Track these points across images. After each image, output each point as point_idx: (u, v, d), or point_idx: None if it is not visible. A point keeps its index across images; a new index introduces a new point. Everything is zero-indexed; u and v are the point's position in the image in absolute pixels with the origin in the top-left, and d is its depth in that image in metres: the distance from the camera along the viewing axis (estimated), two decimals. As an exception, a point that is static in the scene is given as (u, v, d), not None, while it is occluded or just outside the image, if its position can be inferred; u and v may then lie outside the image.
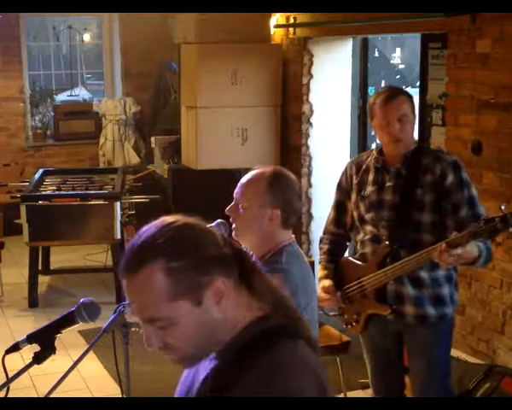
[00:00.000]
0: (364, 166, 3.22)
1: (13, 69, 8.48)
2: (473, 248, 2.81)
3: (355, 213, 3.24)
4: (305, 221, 6.26)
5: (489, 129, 4.33)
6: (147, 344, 1.41)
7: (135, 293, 1.38)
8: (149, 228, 1.41)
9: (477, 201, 3.03)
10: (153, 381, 4.71)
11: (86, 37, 9.71)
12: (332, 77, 6.17)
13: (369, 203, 3.16)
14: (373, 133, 6.32)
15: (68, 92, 9.45)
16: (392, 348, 3.27)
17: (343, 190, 3.32)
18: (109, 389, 4.62)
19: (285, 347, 1.39)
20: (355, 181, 3.24)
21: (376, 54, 6.26)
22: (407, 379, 3.36)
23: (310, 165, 6.24)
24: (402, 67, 6.42)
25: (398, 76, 6.38)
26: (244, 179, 2.52)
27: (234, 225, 2.51)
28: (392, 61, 6.37)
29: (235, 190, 2.52)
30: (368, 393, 4.42)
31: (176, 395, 1.58)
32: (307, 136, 6.23)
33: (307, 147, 6.23)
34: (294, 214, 2.53)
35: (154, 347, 1.41)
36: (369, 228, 3.17)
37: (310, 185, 6.22)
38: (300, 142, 6.24)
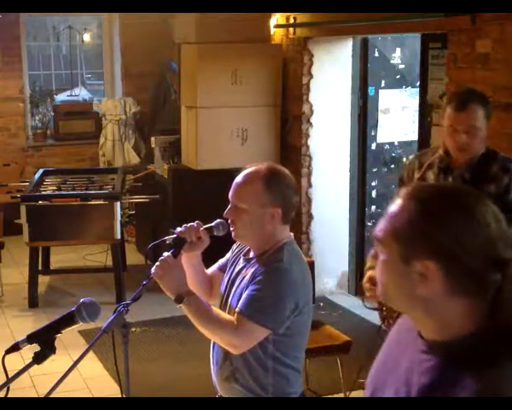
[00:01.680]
0: (428, 163, 3.16)
1: (13, 69, 8.48)
2: None
3: None
4: (305, 221, 6.26)
5: (489, 129, 4.33)
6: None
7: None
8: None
9: None
10: (153, 381, 4.71)
11: (86, 37, 9.70)
12: (332, 77, 6.17)
13: None
14: (373, 133, 6.32)
15: (68, 92, 9.44)
16: None
17: (403, 184, 3.25)
18: (109, 389, 4.61)
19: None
20: (416, 176, 3.18)
21: (376, 54, 6.24)
22: None
23: (310, 165, 6.24)
24: (402, 67, 6.40)
25: (398, 76, 6.36)
26: (239, 180, 2.48)
27: (233, 228, 2.49)
28: (392, 61, 6.35)
29: (231, 193, 2.49)
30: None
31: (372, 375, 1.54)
32: (307, 136, 6.23)
33: (307, 147, 6.24)
34: (293, 209, 2.53)
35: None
36: None
37: (310, 185, 6.22)
38: (300, 142, 6.24)
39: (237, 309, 2.39)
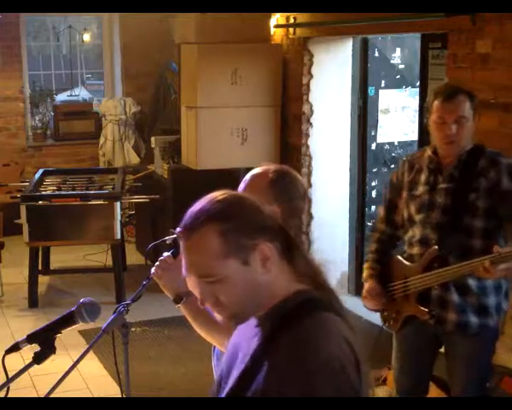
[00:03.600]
0: (417, 165, 3.16)
1: (13, 69, 8.48)
2: None
3: (405, 212, 3.18)
4: (304, 221, 6.26)
5: (489, 129, 4.33)
6: (200, 302, 1.59)
7: (192, 252, 1.56)
8: (202, 200, 1.61)
9: None
10: (153, 381, 4.71)
11: (86, 37, 9.70)
12: (332, 77, 6.17)
13: (420, 204, 3.10)
14: (373, 133, 6.32)
15: (68, 92, 9.44)
16: (426, 351, 3.23)
17: (394, 187, 3.26)
18: (109, 389, 4.61)
19: (325, 316, 1.55)
20: (407, 179, 3.18)
21: (376, 54, 6.24)
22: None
23: (310, 165, 6.24)
24: (402, 67, 6.40)
25: (398, 76, 6.36)
26: (248, 175, 2.49)
27: None
28: (392, 61, 6.35)
29: (239, 187, 2.51)
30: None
31: (220, 368, 1.73)
32: (307, 136, 6.23)
33: (307, 147, 6.24)
34: (296, 215, 2.51)
35: (206, 302, 1.58)
36: (418, 229, 3.11)
37: (310, 185, 6.22)
38: (300, 142, 6.24)
39: None
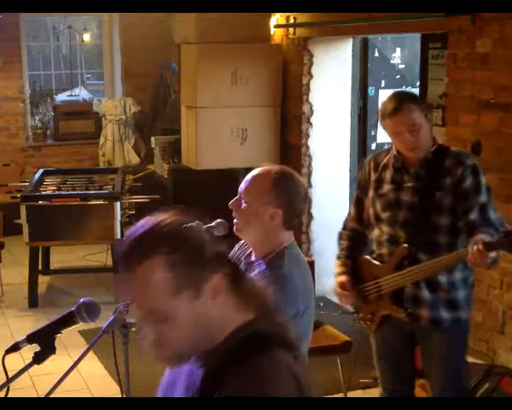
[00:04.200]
0: (383, 164, 3.18)
1: (13, 69, 8.48)
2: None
3: (371, 211, 3.20)
4: (304, 221, 6.26)
5: (489, 129, 4.33)
6: (140, 339, 1.45)
7: (136, 286, 1.40)
8: (145, 224, 1.43)
9: (490, 206, 3.00)
10: (153, 381, 4.70)
11: (86, 37, 9.70)
12: (332, 77, 6.17)
13: (386, 202, 3.13)
14: (373, 133, 6.33)
15: (68, 92, 9.44)
16: (404, 348, 3.25)
17: (361, 186, 3.29)
18: (109, 389, 4.61)
19: (270, 356, 1.42)
20: (373, 177, 3.20)
21: (376, 54, 6.25)
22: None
23: (310, 165, 6.25)
24: (402, 67, 6.42)
25: (398, 76, 6.37)
26: (250, 175, 2.50)
27: (235, 220, 2.51)
28: (392, 61, 6.37)
29: (240, 185, 2.51)
30: (368, 393, 4.43)
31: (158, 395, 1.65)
32: (307, 136, 6.23)
33: (307, 147, 6.24)
34: (297, 216, 2.51)
35: (148, 340, 1.44)
36: (385, 228, 3.14)
37: (310, 185, 6.22)
38: (300, 142, 6.24)
39: None
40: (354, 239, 3.31)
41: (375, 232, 3.20)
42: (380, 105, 3.16)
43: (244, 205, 2.47)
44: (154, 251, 1.38)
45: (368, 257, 3.26)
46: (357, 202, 3.32)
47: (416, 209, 3.06)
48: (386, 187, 3.14)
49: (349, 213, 3.38)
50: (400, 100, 3.03)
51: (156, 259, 1.38)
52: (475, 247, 2.73)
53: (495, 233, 2.80)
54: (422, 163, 3.06)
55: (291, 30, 6.20)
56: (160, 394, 1.65)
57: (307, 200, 2.56)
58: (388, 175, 3.15)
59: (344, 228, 3.39)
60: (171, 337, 1.42)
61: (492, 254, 2.75)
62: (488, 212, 2.98)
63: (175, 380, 1.58)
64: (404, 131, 2.99)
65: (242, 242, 2.63)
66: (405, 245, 3.05)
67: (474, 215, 2.95)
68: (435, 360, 3.16)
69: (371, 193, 3.20)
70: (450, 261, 2.94)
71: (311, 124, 6.21)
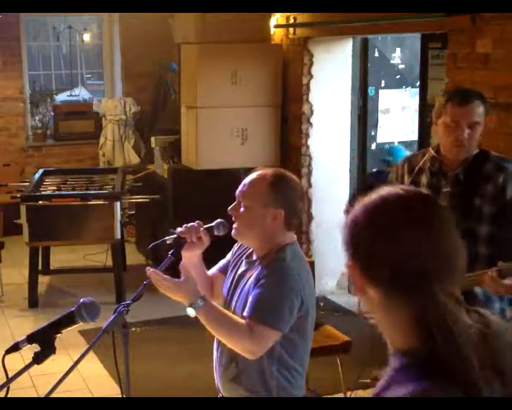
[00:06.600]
0: (418, 167, 3.10)
1: (13, 69, 8.48)
2: None
3: None
4: (304, 221, 6.26)
5: (489, 129, 4.33)
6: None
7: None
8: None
9: None
10: (153, 381, 4.71)
11: (86, 37, 9.70)
12: (332, 77, 6.17)
13: None
14: (373, 133, 6.32)
15: (68, 92, 9.43)
16: None
17: None
18: (109, 389, 4.61)
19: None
20: (407, 181, 3.11)
21: (376, 54, 6.25)
22: None
23: (310, 165, 6.24)
24: (402, 67, 6.42)
25: (398, 76, 6.37)
26: (247, 179, 2.52)
27: (235, 225, 2.51)
28: (392, 61, 6.37)
29: (238, 190, 2.52)
30: (368, 393, 4.42)
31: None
32: (307, 136, 6.23)
33: (307, 147, 6.24)
34: (297, 216, 2.53)
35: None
36: None
37: (310, 185, 6.22)
38: (300, 142, 6.24)
39: (246, 315, 2.39)
40: None
41: None
42: (440, 98, 3.07)
43: (244, 209, 2.47)
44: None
45: None
46: None
47: (454, 215, 2.99)
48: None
49: None
50: (470, 94, 2.99)
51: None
52: (489, 272, 2.68)
53: None
54: (462, 167, 2.98)
55: (291, 30, 6.20)
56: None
57: (305, 198, 2.59)
58: (424, 180, 3.07)
59: None
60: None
61: (507, 281, 2.68)
62: None
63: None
64: (465, 124, 2.92)
65: None
66: None
67: None
68: None
69: None
70: (472, 282, 2.78)
71: (311, 124, 6.21)
